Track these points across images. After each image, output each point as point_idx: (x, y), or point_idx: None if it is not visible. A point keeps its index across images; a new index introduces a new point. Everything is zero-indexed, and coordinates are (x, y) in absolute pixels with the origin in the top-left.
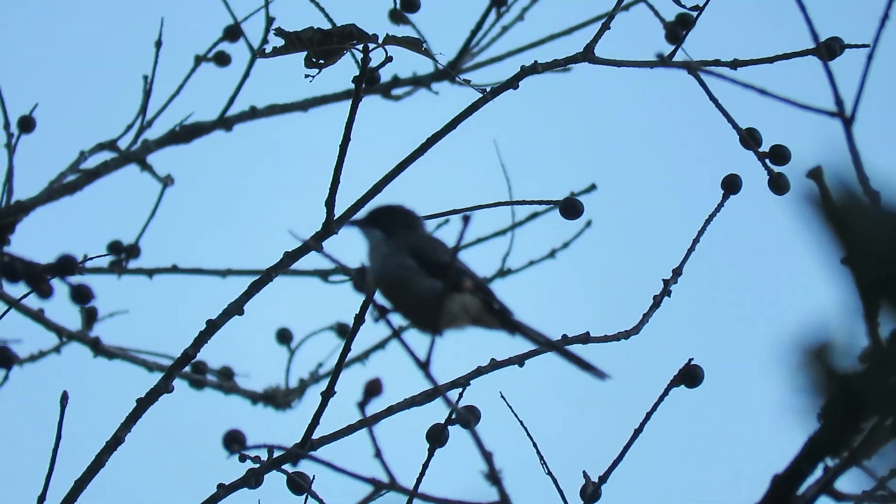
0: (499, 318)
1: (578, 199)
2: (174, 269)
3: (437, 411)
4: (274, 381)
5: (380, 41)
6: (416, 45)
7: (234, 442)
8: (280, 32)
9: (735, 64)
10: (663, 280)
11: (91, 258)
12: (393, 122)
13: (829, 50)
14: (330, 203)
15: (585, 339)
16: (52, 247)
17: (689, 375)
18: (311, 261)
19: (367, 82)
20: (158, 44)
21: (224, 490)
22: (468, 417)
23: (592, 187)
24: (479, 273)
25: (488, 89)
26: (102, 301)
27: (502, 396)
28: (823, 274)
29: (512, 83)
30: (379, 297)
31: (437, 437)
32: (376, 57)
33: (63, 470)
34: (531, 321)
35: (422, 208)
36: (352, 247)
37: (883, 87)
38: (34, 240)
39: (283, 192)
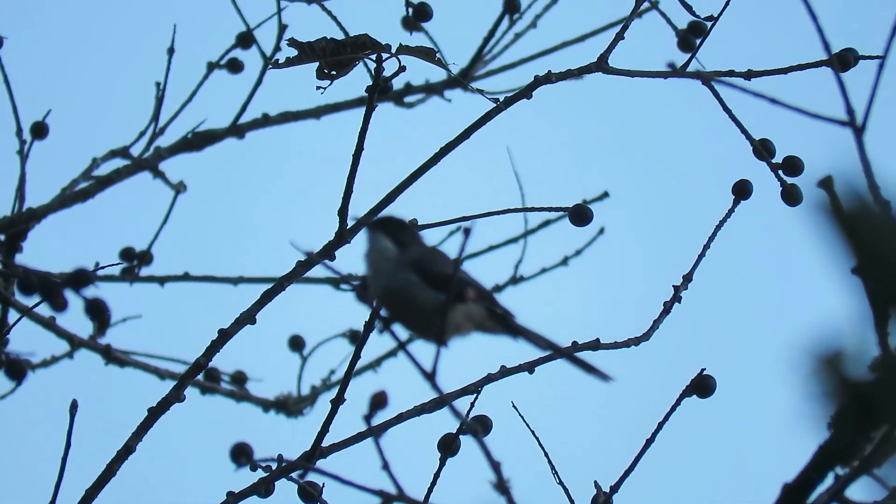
0: (501, 323)
1: (588, 206)
2: (186, 277)
3: (446, 419)
4: (286, 389)
5: (393, 51)
6: (429, 54)
7: (241, 455)
8: (293, 43)
9: (749, 74)
10: (674, 286)
11: (103, 267)
12: (405, 128)
13: (843, 61)
14: (343, 212)
15: (596, 345)
16: (64, 254)
17: (702, 386)
18: (324, 268)
19: (380, 91)
20: (171, 50)
21: (234, 498)
22: (476, 427)
23: (605, 195)
24: (485, 280)
25: (501, 99)
26: (114, 308)
27: (514, 406)
28: (836, 283)
29: (525, 93)
30: (382, 309)
31: (448, 446)
32: (389, 66)
33: (74, 478)
34: (543, 328)
35: (434, 216)
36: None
37: (894, 96)
38: (46, 247)
39: (295, 199)
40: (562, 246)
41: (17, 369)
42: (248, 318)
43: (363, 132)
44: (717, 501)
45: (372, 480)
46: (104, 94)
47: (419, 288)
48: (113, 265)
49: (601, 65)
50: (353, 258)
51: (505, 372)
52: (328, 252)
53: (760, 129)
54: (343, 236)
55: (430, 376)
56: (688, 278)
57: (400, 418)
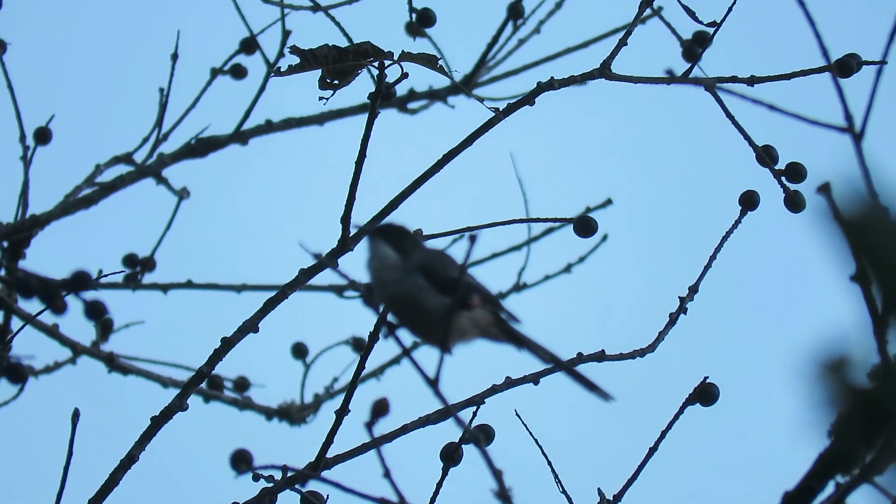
0: (506, 332)
1: (592, 216)
2: (189, 284)
3: (451, 428)
4: (289, 396)
5: (395, 58)
6: (431, 61)
7: (241, 461)
8: (295, 50)
9: (752, 80)
10: (679, 297)
11: (106, 275)
12: (409, 135)
13: (845, 67)
14: (346, 220)
15: (601, 356)
16: (68, 261)
17: (705, 393)
18: (327, 276)
19: (383, 98)
20: (174, 56)
21: None
22: (478, 436)
23: (608, 202)
24: (491, 286)
25: (504, 105)
26: (117, 315)
27: (517, 415)
28: (839, 290)
29: (528, 100)
30: (388, 314)
31: (451, 455)
32: (392, 73)
33: (77, 487)
34: (546, 336)
35: (438, 223)
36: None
37: (894, 102)
38: (49, 254)
39: (298, 206)
40: (565, 253)
41: (18, 373)
42: (250, 326)
43: (366, 139)
44: None
45: (375, 489)
46: (107, 100)
47: (427, 291)
48: (116, 272)
49: (604, 71)
50: (355, 266)
51: (510, 383)
52: (331, 259)
53: (763, 134)
54: (346, 244)
55: (434, 383)
56: (694, 290)
57: (405, 429)
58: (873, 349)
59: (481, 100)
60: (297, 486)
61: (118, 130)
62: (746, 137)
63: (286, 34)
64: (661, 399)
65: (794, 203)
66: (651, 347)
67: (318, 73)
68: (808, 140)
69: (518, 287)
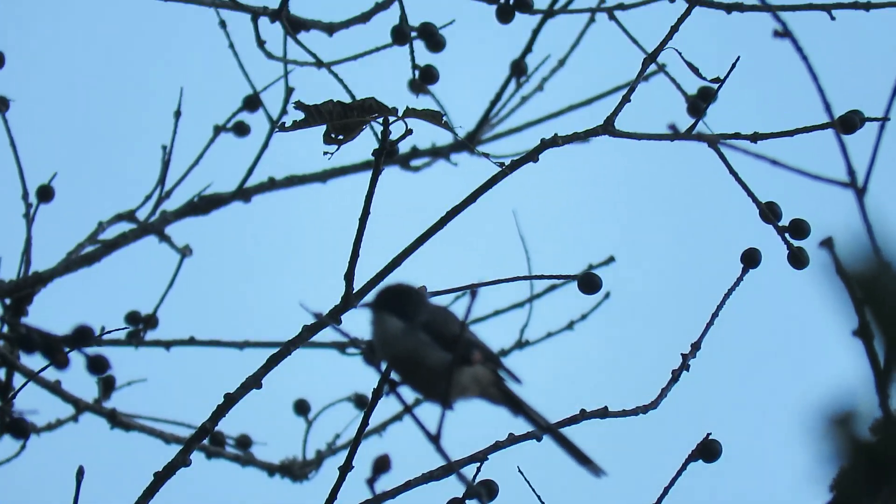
0: (505, 393)
1: (597, 273)
2: (192, 342)
3: (455, 485)
4: (291, 453)
5: (399, 114)
6: (436, 117)
7: None
8: (300, 105)
9: (755, 137)
10: (682, 355)
11: (109, 331)
12: (411, 192)
13: (848, 123)
14: (349, 276)
15: (604, 413)
16: (70, 318)
17: (707, 450)
18: (329, 332)
19: (387, 154)
20: (177, 113)
21: None
22: (481, 491)
23: (611, 259)
24: (493, 343)
25: (507, 162)
26: (120, 372)
27: (520, 471)
28: (842, 344)
29: (532, 156)
30: (390, 371)
31: None
32: (396, 129)
33: None
34: (548, 392)
35: (441, 279)
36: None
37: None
38: (52, 311)
39: (301, 263)
40: (567, 310)
41: (21, 429)
42: (254, 382)
43: (370, 195)
44: None
45: None
46: (110, 158)
47: (430, 347)
48: (118, 329)
49: (608, 128)
50: (358, 322)
51: (513, 440)
52: (334, 316)
53: (767, 189)
54: (349, 301)
55: (436, 439)
56: (696, 346)
57: (408, 485)
58: (876, 403)
59: (486, 156)
60: None
61: (121, 188)
62: (750, 194)
63: (289, 91)
64: (663, 455)
65: (797, 260)
66: (654, 404)
67: (321, 129)
68: (812, 195)
69: (520, 344)
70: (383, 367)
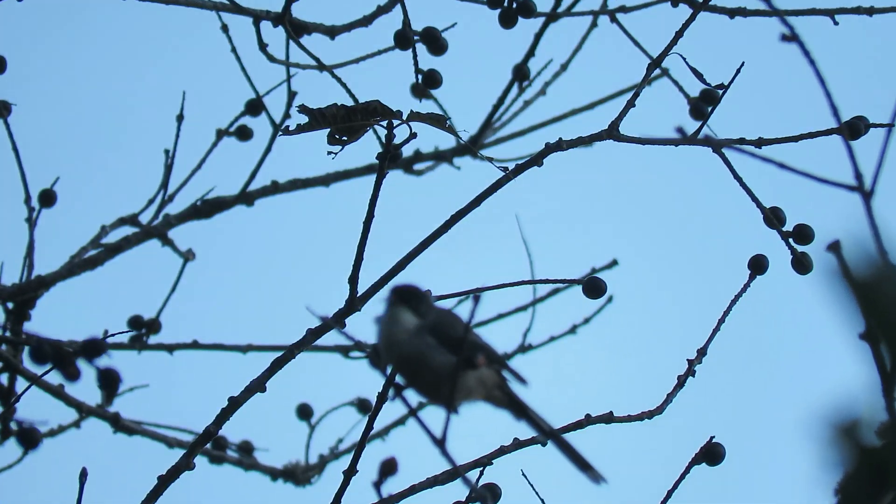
0: (509, 396)
1: (601, 277)
2: (195, 345)
3: (459, 490)
4: (294, 457)
5: (403, 117)
6: (439, 121)
7: None
8: (303, 109)
9: (760, 143)
10: (688, 360)
11: (112, 335)
12: (415, 196)
13: (853, 129)
14: (353, 280)
15: (609, 418)
16: (73, 322)
17: (711, 453)
18: (333, 336)
19: (391, 158)
20: (180, 118)
21: None
22: (485, 495)
23: (614, 263)
24: (497, 346)
25: (511, 167)
26: (123, 376)
27: (524, 475)
28: (848, 348)
29: (536, 161)
30: (396, 375)
31: None
32: (400, 133)
33: None
34: (552, 397)
35: (444, 283)
36: (374, 323)
37: None
38: (55, 315)
39: (305, 267)
40: (570, 314)
41: (31, 438)
42: (258, 385)
43: (374, 199)
44: None
45: None
46: (113, 162)
47: (435, 351)
48: (122, 332)
49: (612, 132)
50: (362, 326)
51: (517, 444)
52: (339, 320)
53: (771, 194)
54: (353, 304)
55: (441, 443)
56: (702, 352)
57: (413, 490)
58: (882, 407)
59: (490, 160)
60: None
61: (123, 192)
62: (754, 199)
63: (292, 95)
64: (668, 459)
65: (801, 265)
66: (659, 409)
67: (324, 132)
68: (816, 200)
69: (523, 348)
70: (388, 370)
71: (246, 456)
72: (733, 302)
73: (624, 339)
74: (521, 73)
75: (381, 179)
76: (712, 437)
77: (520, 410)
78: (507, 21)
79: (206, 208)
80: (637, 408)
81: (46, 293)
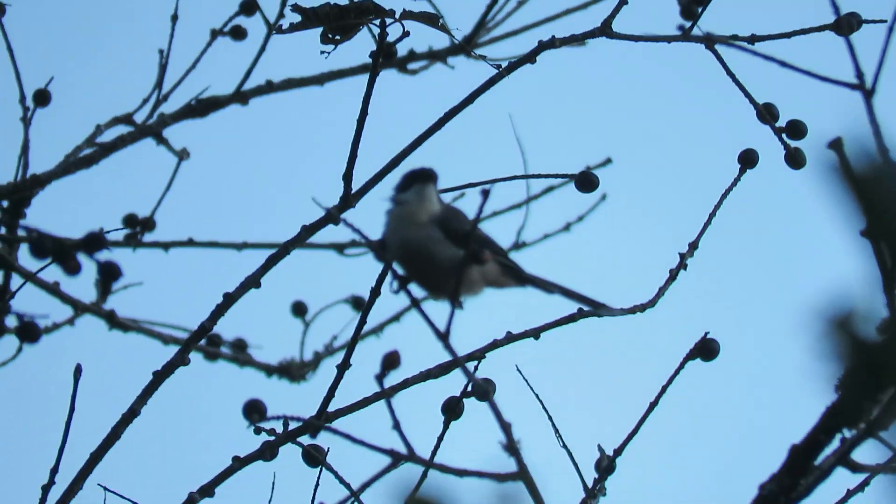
0: (513, 276)
1: (594, 172)
2: (190, 243)
3: (453, 383)
4: (289, 354)
5: (396, 16)
6: (432, 20)
7: (254, 412)
8: (297, 8)
9: (753, 39)
10: (679, 254)
11: (107, 232)
12: (409, 95)
13: (846, 25)
14: (347, 177)
15: (601, 312)
16: (68, 221)
17: (705, 349)
18: (327, 234)
19: (384, 57)
20: (174, 18)
21: (239, 463)
22: (486, 389)
23: (608, 161)
24: (497, 240)
25: (505, 64)
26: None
27: (518, 370)
28: (845, 245)
29: (529, 58)
30: (398, 267)
31: (452, 409)
32: (393, 32)
33: (79, 443)
34: (545, 294)
35: (439, 182)
36: (368, 220)
37: None
38: (50, 214)
39: (299, 165)
40: (564, 212)
41: (31, 332)
42: (253, 281)
43: (367, 97)
44: (724, 464)
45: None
46: (107, 62)
47: (441, 244)
48: (117, 230)
49: (605, 30)
50: (356, 223)
51: (511, 338)
52: (334, 216)
53: (768, 95)
54: (348, 201)
55: (444, 337)
56: (694, 246)
57: (406, 384)
58: (882, 303)
59: (483, 58)
60: (298, 440)
61: (118, 92)
62: (747, 95)
63: None
64: (662, 355)
65: (794, 160)
66: (651, 303)
67: (318, 31)
68: (812, 102)
69: (517, 246)
70: (391, 262)
71: (241, 353)
72: (724, 196)
73: (618, 237)
74: None
75: (375, 77)
76: (707, 333)
77: (524, 280)
78: None
79: (201, 107)
80: (631, 304)
81: (41, 192)
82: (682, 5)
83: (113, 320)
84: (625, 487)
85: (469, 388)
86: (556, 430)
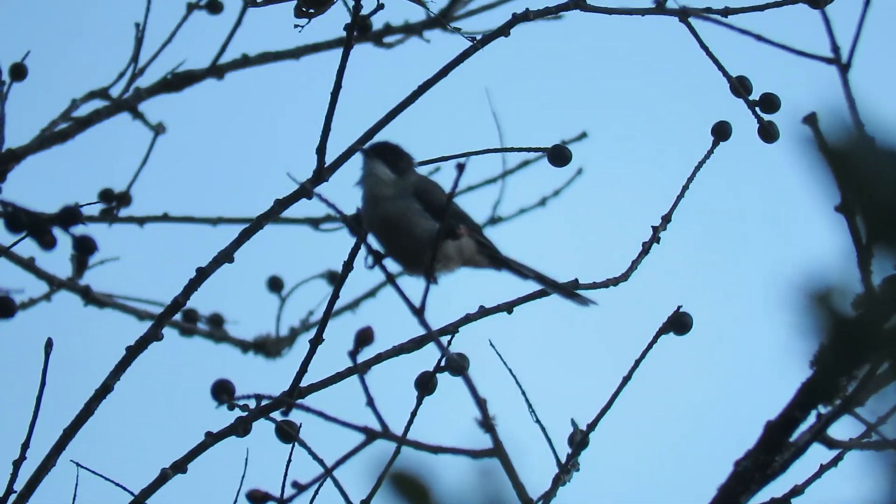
0: (488, 256)
1: (567, 146)
2: (165, 218)
3: (426, 358)
4: (264, 330)
5: None
6: None
7: (222, 392)
8: None
9: (726, 12)
10: (652, 227)
11: (83, 206)
12: (385, 69)
13: None
14: (321, 150)
15: (574, 285)
16: (44, 195)
17: (678, 323)
18: (302, 208)
19: (359, 30)
20: None
21: (212, 438)
22: (461, 364)
23: (583, 135)
24: (473, 216)
25: (479, 37)
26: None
27: (491, 344)
28: (820, 219)
29: (503, 31)
30: (373, 241)
31: (425, 384)
32: (368, 5)
33: (52, 418)
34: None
35: (413, 155)
36: (343, 194)
37: (878, 34)
38: (25, 187)
39: (274, 140)
40: (540, 187)
41: (6, 306)
42: (225, 256)
43: (341, 69)
44: (699, 440)
45: (352, 422)
46: (83, 36)
47: (419, 215)
48: (92, 203)
49: (579, 2)
50: (330, 196)
51: (483, 312)
52: (307, 189)
53: (742, 69)
54: (321, 174)
55: (419, 311)
56: (667, 219)
57: (379, 358)
58: (857, 279)
59: (458, 30)
60: (271, 416)
61: (94, 66)
62: (721, 68)
63: None
64: (635, 329)
65: (767, 133)
66: (624, 276)
67: (293, 3)
68: (786, 76)
69: (493, 220)
70: (365, 236)
71: (216, 328)
72: (697, 168)
73: (593, 211)
74: None
75: (349, 49)
76: (679, 307)
77: (500, 263)
78: None
79: (177, 81)
80: (604, 277)
81: (17, 166)
82: None
83: (88, 296)
84: (599, 462)
85: (443, 363)
86: (530, 405)
